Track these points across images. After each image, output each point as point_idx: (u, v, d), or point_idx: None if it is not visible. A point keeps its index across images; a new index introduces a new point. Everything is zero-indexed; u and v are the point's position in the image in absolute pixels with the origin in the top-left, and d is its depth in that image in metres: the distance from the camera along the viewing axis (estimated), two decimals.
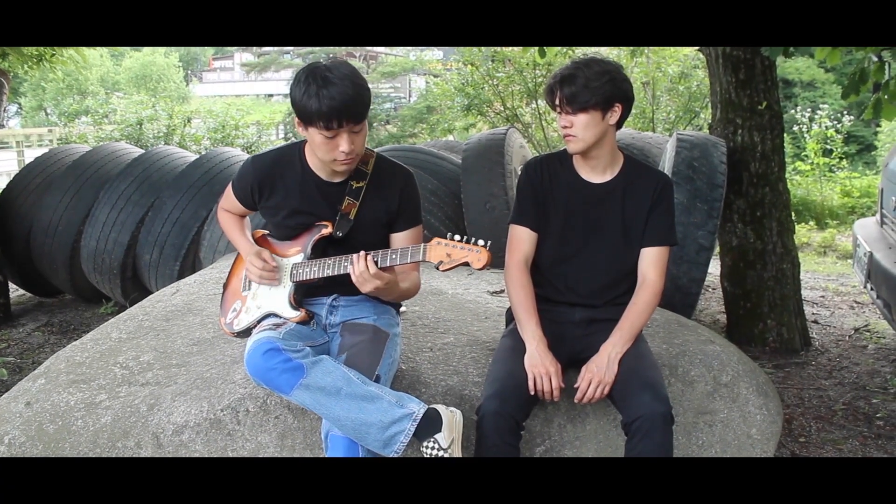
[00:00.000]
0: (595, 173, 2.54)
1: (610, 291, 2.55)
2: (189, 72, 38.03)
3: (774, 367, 4.22)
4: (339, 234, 2.45)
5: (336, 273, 2.38)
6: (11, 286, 5.90)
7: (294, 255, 2.50)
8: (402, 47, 26.89)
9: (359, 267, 2.25)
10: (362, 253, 2.28)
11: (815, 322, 5.13)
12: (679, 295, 3.94)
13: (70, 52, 6.52)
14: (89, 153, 5.70)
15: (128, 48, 33.08)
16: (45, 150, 6.54)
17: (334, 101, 2.20)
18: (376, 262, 2.26)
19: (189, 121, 14.94)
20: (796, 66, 19.16)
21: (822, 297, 5.91)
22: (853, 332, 4.97)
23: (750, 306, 4.54)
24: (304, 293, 2.52)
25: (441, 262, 2.17)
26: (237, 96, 27.42)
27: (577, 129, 2.41)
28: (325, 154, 2.32)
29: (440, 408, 2.27)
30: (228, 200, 2.65)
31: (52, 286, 5.89)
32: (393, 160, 2.58)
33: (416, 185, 2.54)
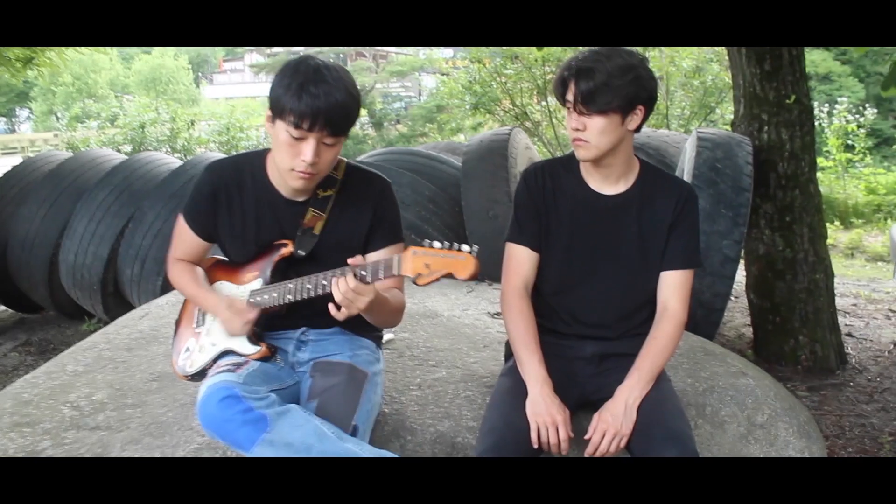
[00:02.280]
0: (607, 183, 2.15)
1: (625, 323, 2.18)
2: (199, 74, 37.99)
3: (808, 390, 3.84)
4: (302, 252, 2.08)
5: (297, 298, 2.01)
6: None
7: (251, 282, 2.14)
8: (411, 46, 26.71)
9: (341, 286, 1.86)
10: (335, 272, 1.92)
11: (850, 335, 4.74)
12: (702, 311, 3.57)
13: (51, 54, 6.22)
14: (68, 161, 5.42)
15: (136, 49, 33.06)
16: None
17: (317, 100, 1.86)
18: (355, 276, 1.88)
19: (193, 123, 14.73)
20: (811, 58, 18.73)
21: (854, 305, 5.51)
22: (893, 346, 4.57)
23: (779, 321, 4.16)
24: (266, 325, 2.16)
25: (419, 274, 1.79)
26: (247, 98, 27.28)
27: (592, 133, 2.02)
28: (285, 159, 1.95)
29: None
30: (180, 240, 2.26)
31: (32, 302, 5.62)
32: (367, 168, 2.21)
33: (394, 197, 2.17)
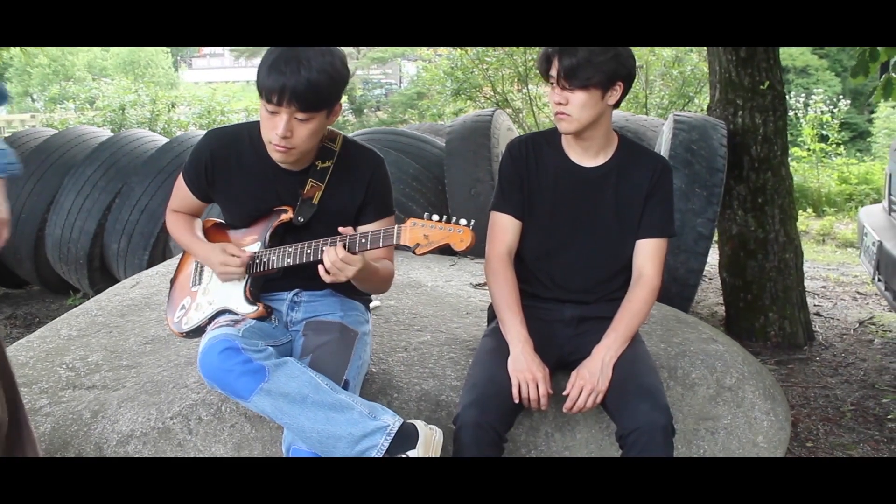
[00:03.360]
0: (587, 156, 2.27)
1: (602, 287, 2.29)
2: (178, 58, 37.60)
3: (777, 364, 3.98)
4: (301, 219, 2.17)
5: (297, 262, 2.11)
6: None
7: (250, 245, 2.23)
8: None
9: (330, 255, 1.96)
10: (333, 239, 2.02)
11: (818, 315, 4.88)
12: (676, 287, 3.69)
13: None
14: (54, 137, 5.42)
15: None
16: None
17: (285, 77, 1.94)
18: (345, 246, 1.98)
19: (173, 106, 14.65)
20: (790, 51, 18.91)
21: (824, 287, 5.67)
22: (858, 325, 4.73)
23: (751, 298, 4.29)
24: (262, 287, 2.25)
25: (418, 244, 1.90)
26: (227, 82, 27.06)
27: (573, 107, 2.12)
28: (264, 132, 2.05)
29: (418, 424, 2.01)
30: (178, 196, 2.35)
31: (17, 277, 5.62)
32: (363, 143, 2.30)
33: (387, 173, 2.26)
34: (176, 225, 2.37)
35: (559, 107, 2.15)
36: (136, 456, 2.28)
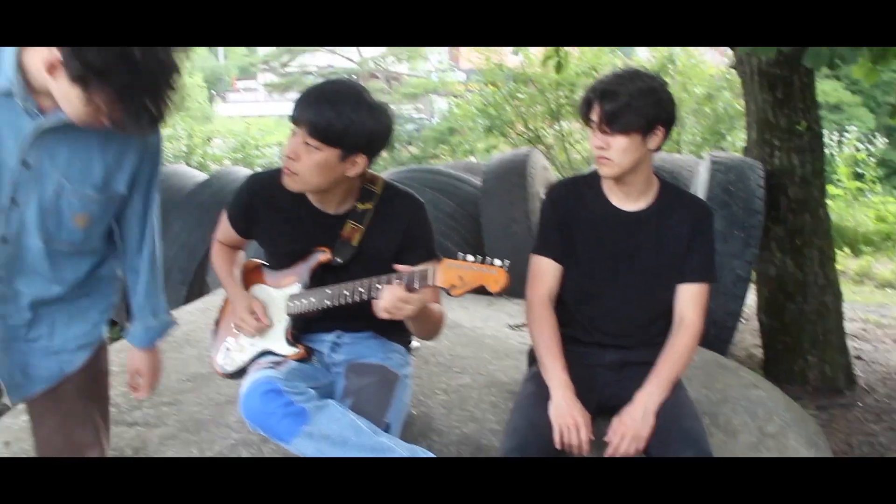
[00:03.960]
0: (628, 200, 2.27)
1: (643, 331, 2.29)
2: (213, 92, 38.26)
3: (817, 409, 3.93)
4: (339, 260, 2.19)
5: (336, 304, 2.13)
6: None
7: (289, 286, 2.26)
8: (423, 68, 26.87)
9: (390, 293, 1.96)
10: (370, 281, 2.04)
11: (859, 358, 4.82)
12: (714, 329, 3.66)
13: None
14: None
15: None
16: None
17: (308, 104, 2.02)
18: (378, 289, 1.99)
19: (209, 140, 14.89)
20: (823, 87, 18.80)
21: (864, 330, 5.59)
22: None
23: (789, 341, 4.26)
24: (303, 328, 2.28)
25: (453, 286, 1.90)
26: (260, 116, 27.45)
27: (614, 152, 2.13)
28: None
29: None
30: (223, 228, 2.40)
31: None
32: (403, 187, 2.33)
33: (427, 217, 2.28)
34: (218, 257, 2.44)
35: (600, 151, 2.16)
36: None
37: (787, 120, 4.23)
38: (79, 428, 1.96)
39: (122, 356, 3.07)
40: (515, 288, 2.34)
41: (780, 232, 4.25)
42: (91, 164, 1.75)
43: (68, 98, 1.57)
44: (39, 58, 1.57)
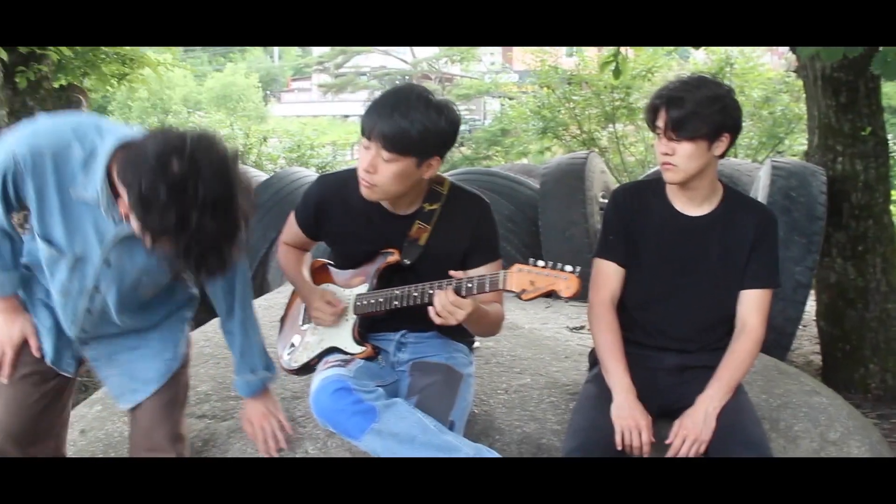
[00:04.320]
0: (692, 205, 2.29)
1: (705, 336, 2.30)
2: (268, 92, 38.75)
3: (879, 418, 3.87)
4: (407, 261, 2.24)
5: (403, 305, 2.18)
6: None
7: (357, 286, 2.32)
8: (476, 69, 26.90)
9: (441, 299, 2.01)
10: (440, 283, 2.08)
11: None
12: (773, 335, 3.63)
13: (147, 70, 6.55)
14: None
15: (209, 67, 33.93)
16: None
17: (379, 117, 2.03)
18: (455, 290, 2.03)
19: (265, 140, 15.12)
20: (886, 89, 18.40)
21: None
22: None
23: (849, 349, 4.21)
24: (369, 327, 2.33)
25: (524, 290, 1.94)
26: (314, 116, 27.74)
27: (679, 158, 2.15)
28: (358, 165, 2.14)
29: None
30: (290, 231, 2.46)
31: None
32: (470, 189, 2.37)
33: (493, 218, 2.32)
34: (286, 258, 2.49)
35: (665, 157, 2.18)
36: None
37: (850, 125, 4.18)
38: (157, 432, 2.12)
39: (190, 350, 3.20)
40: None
41: (841, 238, 4.20)
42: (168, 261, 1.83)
43: (139, 235, 1.72)
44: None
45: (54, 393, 2.11)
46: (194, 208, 1.61)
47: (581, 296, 2.38)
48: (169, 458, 2.11)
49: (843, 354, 4.24)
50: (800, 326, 5.37)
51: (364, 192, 2.15)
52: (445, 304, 2.00)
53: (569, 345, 3.12)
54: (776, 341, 3.65)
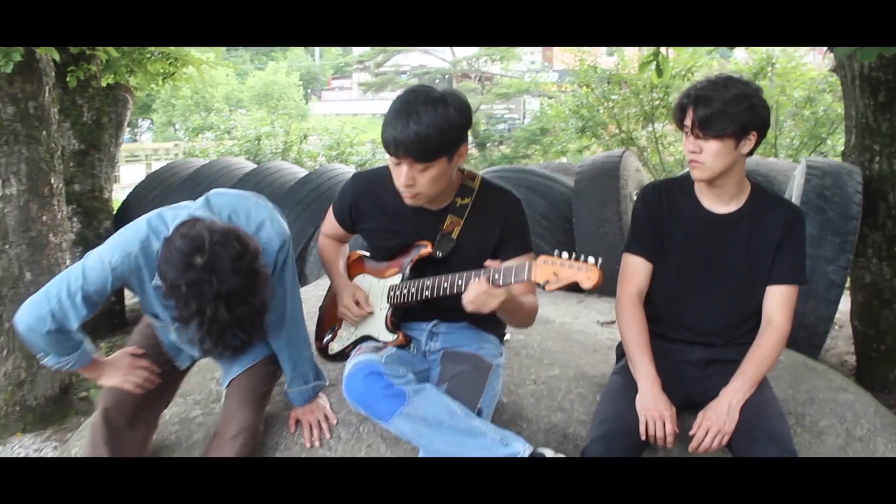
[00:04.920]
0: (719, 203, 2.33)
1: (731, 331, 2.34)
2: (309, 90, 39.09)
3: None
4: (440, 254, 2.31)
5: (434, 295, 2.25)
6: (127, 293, 6.05)
7: (391, 277, 2.40)
8: (516, 69, 26.89)
9: (474, 288, 2.07)
10: (469, 273, 2.15)
11: None
12: (805, 334, 3.65)
13: (191, 69, 6.69)
14: (204, 167, 5.83)
15: (251, 66, 34.29)
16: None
17: (396, 132, 2.07)
18: (488, 279, 2.08)
19: (305, 137, 15.29)
20: None
21: None
22: None
23: (884, 349, 4.18)
24: (402, 317, 2.41)
25: (548, 281, 1.99)
26: (354, 115, 27.95)
27: (707, 156, 2.19)
28: (394, 178, 2.19)
29: (547, 452, 2.12)
30: (328, 223, 2.55)
31: None
32: (500, 185, 2.43)
33: (524, 212, 2.37)
34: (325, 250, 2.60)
35: (693, 155, 2.22)
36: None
37: (888, 125, 4.15)
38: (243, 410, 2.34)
39: None
40: (606, 287, 2.41)
41: (877, 238, 4.17)
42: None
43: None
44: None
45: (165, 384, 2.39)
46: (210, 300, 1.87)
47: (612, 292, 2.45)
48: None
49: (878, 354, 4.22)
50: (836, 327, 5.36)
51: (409, 202, 2.22)
52: (479, 293, 2.06)
53: (598, 339, 3.16)
54: (808, 340, 3.65)
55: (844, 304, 4.62)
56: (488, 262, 2.10)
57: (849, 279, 4.50)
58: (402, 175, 2.14)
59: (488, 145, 22.02)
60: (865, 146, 4.22)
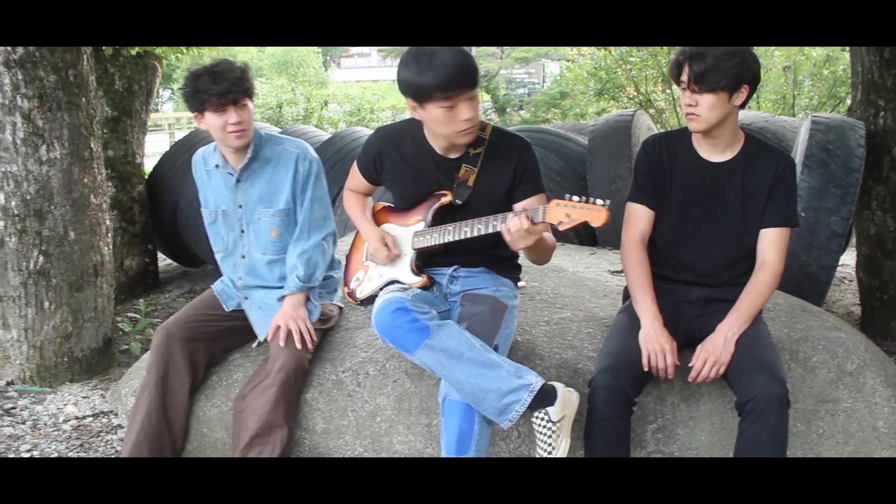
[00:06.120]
0: (715, 152, 2.51)
1: (728, 272, 2.53)
2: (328, 58, 39.01)
3: None
4: (459, 201, 2.50)
5: (455, 239, 2.44)
6: (160, 256, 6.29)
7: (415, 224, 2.59)
8: None
9: (515, 223, 2.22)
10: (485, 220, 2.33)
11: None
12: (808, 283, 3.82)
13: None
14: None
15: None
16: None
17: (449, 69, 2.22)
18: (528, 218, 2.22)
19: (326, 104, 15.43)
20: None
21: None
22: None
23: (887, 298, 4.33)
24: (425, 262, 2.61)
25: (560, 222, 2.15)
26: (374, 81, 27.95)
27: (702, 108, 2.37)
28: (447, 127, 2.33)
29: (558, 385, 2.31)
30: (353, 178, 2.75)
31: (195, 257, 6.22)
32: (509, 131, 2.61)
33: (534, 155, 2.53)
34: (350, 203, 2.80)
35: (689, 108, 2.41)
36: (313, 403, 2.68)
37: (893, 80, 4.25)
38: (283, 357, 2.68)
39: None
40: (617, 239, 2.61)
41: (881, 191, 4.29)
42: (269, 189, 2.80)
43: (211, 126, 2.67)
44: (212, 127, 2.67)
45: (217, 329, 2.86)
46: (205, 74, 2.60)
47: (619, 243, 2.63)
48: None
49: (881, 304, 4.37)
50: (845, 281, 5.50)
51: (467, 139, 2.40)
52: (519, 229, 2.22)
53: (608, 285, 3.35)
54: (812, 289, 3.82)
55: (852, 257, 4.75)
56: (518, 206, 2.31)
57: (854, 232, 4.65)
58: (464, 111, 2.29)
59: (508, 110, 22.04)
60: (871, 101, 4.34)
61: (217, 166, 2.84)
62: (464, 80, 2.25)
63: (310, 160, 2.80)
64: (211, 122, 2.64)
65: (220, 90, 2.58)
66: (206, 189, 2.91)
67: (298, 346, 2.65)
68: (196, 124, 2.74)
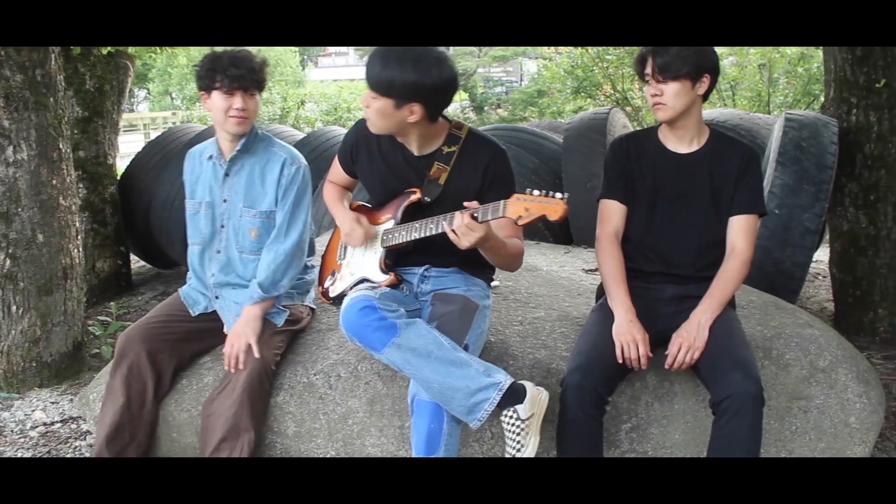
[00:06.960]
0: (682, 143, 2.56)
1: (700, 260, 2.55)
2: (305, 57, 38.86)
3: (884, 359, 4.04)
4: (428, 199, 2.48)
5: (422, 235, 2.42)
6: (132, 258, 6.22)
7: (385, 222, 2.58)
8: None
9: (457, 220, 2.24)
10: (453, 213, 2.30)
11: None
12: (782, 279, 3.83)
13: None
14: (204, 132, 5.92)
15: None
16: None
17: (370, 59, 2.32)
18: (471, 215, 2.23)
19: (303, 103, 15.36)
20: None
21: None
22: None
23: (860, 294, 4.36)
24: (396, 261, 2.58)
25: (520, 216, 2.14)
26: (351, 80, 27.87)
27: (668, 97, 2.44)
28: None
29: (527, 384, 2.29)
30: (334, 170, 2.78)
31: (169, 258, 6.16)
32: (486, 135, 2.59)
33: (508, 162, 2.53)
34: (329, 192, 2.81)
35: (655, 98, 2.47)
36: (284, 406, 2.65)
37: (865, 77, 4.28)
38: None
39: None
40: (592, 239, 2.61)
41: (854, 188, 4.32)
42: (253, 188, 2.79)
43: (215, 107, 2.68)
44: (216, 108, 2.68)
45: (184, 330, 2.82)
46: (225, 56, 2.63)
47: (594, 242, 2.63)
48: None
49: (854, 300, 4.39)
50: (819, 277, 5.54)
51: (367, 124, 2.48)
52: (460, 225, 2.23)
53: (582, 284, 3.33)
54: (786, 286, 3.83)
55: (825, 254, 4.78)
56: (467, 204, 2.26)
57: (828, 229, 4.68)
58: (364, 96, 2.41)
59: (486, 108, 22.03)
60: (843, 99, 4.36)
61: (211, 157, 2.84)
62: (366, 77, 2.35)
63: (297, 166, 2.79)
64: (217, 103, 2.64)
65: (235, 73, 2.61)
66: (195, 180, 2.90)
67: (232, 370, 2.61)
68: (200, 107, 2.78)
